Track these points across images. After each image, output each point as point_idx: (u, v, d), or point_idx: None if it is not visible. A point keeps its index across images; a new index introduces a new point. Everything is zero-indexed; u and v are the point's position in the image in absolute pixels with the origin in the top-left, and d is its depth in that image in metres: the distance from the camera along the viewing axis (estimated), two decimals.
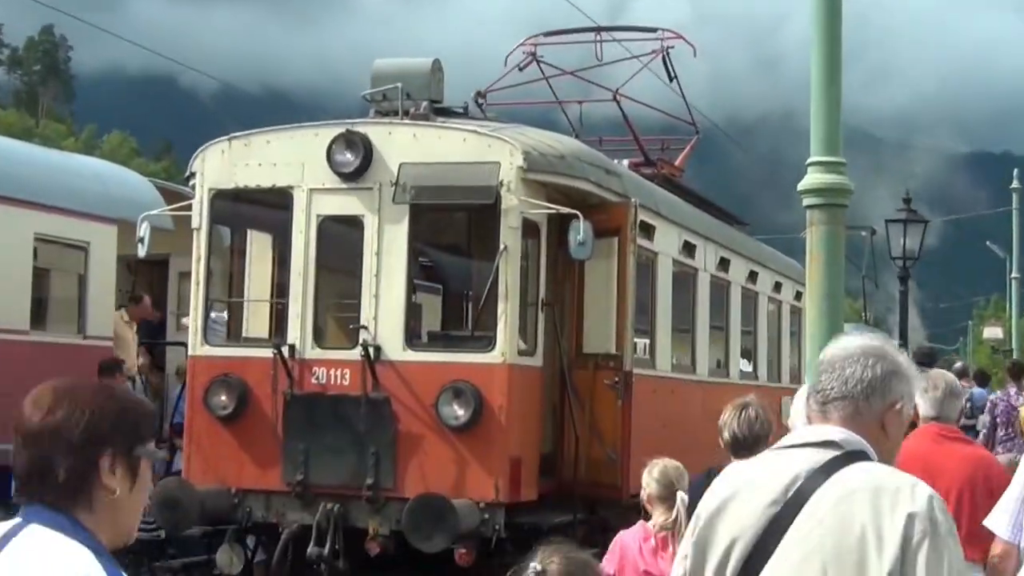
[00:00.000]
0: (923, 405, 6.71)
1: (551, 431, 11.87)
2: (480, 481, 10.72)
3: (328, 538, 10.62)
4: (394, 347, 11.03)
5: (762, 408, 6.73)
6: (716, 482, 3.59)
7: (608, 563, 7.16)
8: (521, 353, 11.15)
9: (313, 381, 11.16)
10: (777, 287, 18.19)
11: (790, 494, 3.32)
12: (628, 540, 7.14)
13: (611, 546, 7.28)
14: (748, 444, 6.56)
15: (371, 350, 10.93)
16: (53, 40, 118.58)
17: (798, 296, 18.36)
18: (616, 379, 11.72)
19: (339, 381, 11.10)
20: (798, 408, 5.68)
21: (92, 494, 2.81)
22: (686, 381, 14.20)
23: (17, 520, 2.83)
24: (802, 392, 5.75)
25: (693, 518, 3.59)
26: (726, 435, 6.62)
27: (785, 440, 3.57)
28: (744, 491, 3.43)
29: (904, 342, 24.08)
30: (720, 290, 15.59)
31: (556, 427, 11.87)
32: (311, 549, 10.60)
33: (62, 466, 2.79)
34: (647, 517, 7.16)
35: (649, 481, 7.11)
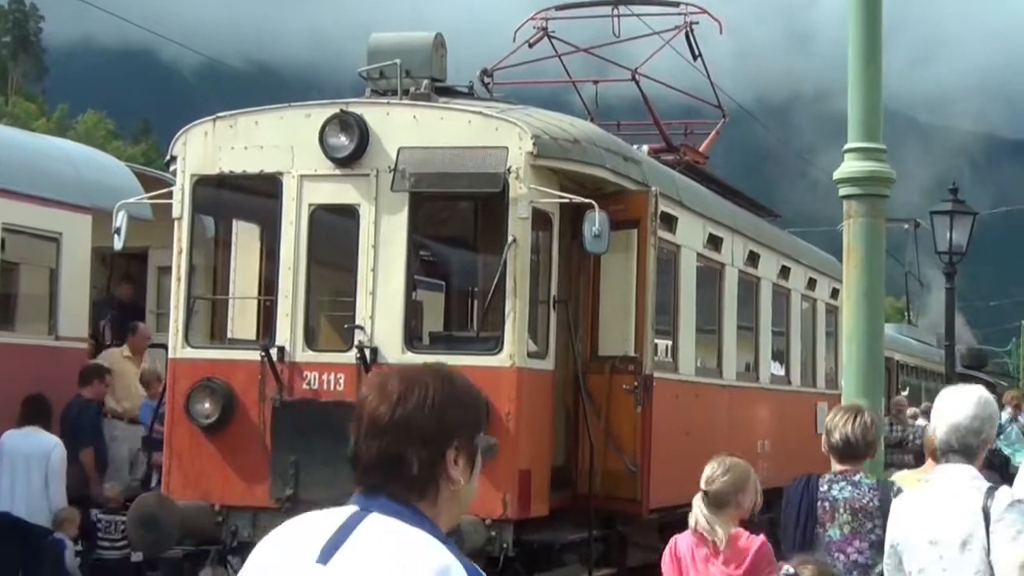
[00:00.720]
0: None
1: (564, 440, 11.87)
2: (486, 495, 10.68)
3: None
4: (392, 349, 11.02)
5: (875, 414, 6.94)
6: None
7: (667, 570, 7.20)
8: (531, 355, 11.14)
9: (304, 386, 11.15)
10: (811, 284, 18.17)
11: None
12: (682, 548, 7.16)
13: (666, 553, 7.26)
14: (861, 450, 6.78)
15: (367, 352, 10.93)
16: (23, 9, 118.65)
17: (834, 294, 18.35)
18: (635, 383, 11.71)
19: (332, 386, 11.10)
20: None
21: (439, 486, 2.92)
22: (712, 385, 14.20)
23: (353, 509, 2.91)
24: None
25: None
26: (836, 438, 6.77)
27: None
28: None
29: (951, 343, 24.06)
30: (749, 287, 15.58)
31: (569, 436, 11.87)
32: None
33: (414, 459, 2.89)
34: None
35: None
